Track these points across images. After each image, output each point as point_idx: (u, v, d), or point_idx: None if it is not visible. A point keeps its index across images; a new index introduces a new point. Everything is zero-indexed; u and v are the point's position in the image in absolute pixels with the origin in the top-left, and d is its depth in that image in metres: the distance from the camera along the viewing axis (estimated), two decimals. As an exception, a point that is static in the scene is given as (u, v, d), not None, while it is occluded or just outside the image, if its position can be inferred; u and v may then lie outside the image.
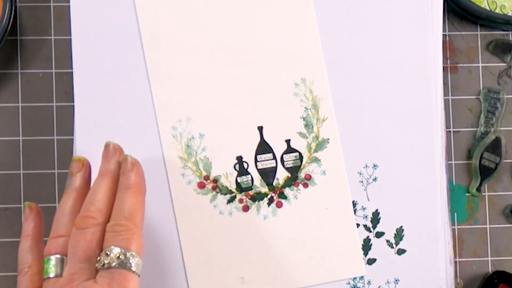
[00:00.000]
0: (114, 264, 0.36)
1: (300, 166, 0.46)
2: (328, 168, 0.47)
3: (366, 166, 0.47)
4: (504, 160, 0.50)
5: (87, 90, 0.47)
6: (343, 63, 0.47)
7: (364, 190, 0.47)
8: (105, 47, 0.47)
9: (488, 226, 0.50)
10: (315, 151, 0.47)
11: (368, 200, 0.47)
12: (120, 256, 0.36)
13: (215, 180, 0.47)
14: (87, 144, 0.46)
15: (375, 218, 0.47)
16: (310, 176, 0.47)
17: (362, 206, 0.47)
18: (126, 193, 0.39)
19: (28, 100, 0.49)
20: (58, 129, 0.49)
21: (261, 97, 0.47)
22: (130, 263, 0.36)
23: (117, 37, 0.47)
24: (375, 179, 0.47)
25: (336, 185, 0.47)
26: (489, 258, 0.50)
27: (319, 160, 0.46)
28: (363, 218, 0.47)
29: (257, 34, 0.47)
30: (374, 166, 0.47)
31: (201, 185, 0.47)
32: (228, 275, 0.46)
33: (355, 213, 0.47)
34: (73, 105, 0.47)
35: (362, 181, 0.47)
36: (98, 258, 0.36)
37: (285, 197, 0.47)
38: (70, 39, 0.47)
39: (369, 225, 0.47)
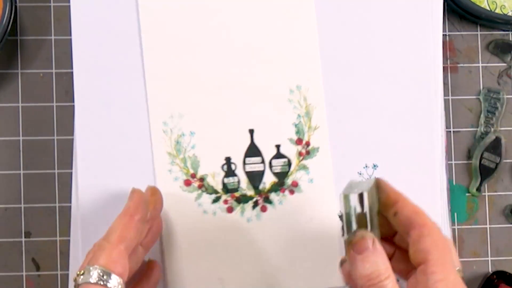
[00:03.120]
0: (79, 279, 0.37)
1: (288, 172, 0.46)
2: (315, 177, 0.47)
3: (366, 166, 0.47)
4: (504, 160, 0.50)
5: (87, 90, 0.47)
6: (344, 62, 0.47)
7: (364, 190, 0.47)
8: (105, 47, 0.47)
9: (488, 226, 0.50)
10: (304, 158, 0.47)
11: (368, 200, 0.47)
12: (81, 271, 0.37)
13: (202, 179, 0.47)
14: (87, 144, 0.46)
15: (375, 218, 0.47)
16: (297, 183, 0.47)
17: (362, 206, 0.47)
18: (117, 217, 0.41)
19: (28, 100, 0.49)
20: (58, 129, 0.49)
21: (255, 100, 0.47)
22: (90, 275, 0.37)
23: (117, 37, 0.47)
24: (375, 179, 0.47)
25: (322, 195, 0.47)
26: (489, 258, 0.50)
27: (308, 168, 0.46)
28: (363, 218, 0.47)
29: (257, 37, 0.47)
30: (374, 166, 0.47)
31: (188, 183, 0.47)
32: (207, 275, 0.46)
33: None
34: (73, 105, 0.47)
35: (362, 181, 0.47)
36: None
37: (270, 202, 0.47)
38: (70, 39, 0.47)
39: (369, 225, 0.47)
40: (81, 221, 0.46)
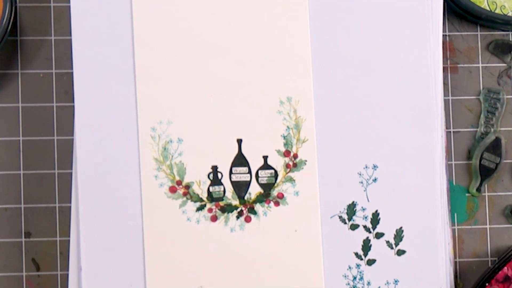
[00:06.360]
0: None
1: (274, 183, 0.46)
2: (301, 190, 0.47)
3: (366, 167, 0.47)
4: (504, 160, 0.50)
5: (87, 90, 0.47)
6: (344, 63, 0.47)
7: (364, 191, 0.47)
8: (106, 47, 0.47)
9: (488, 226, 0.50)
10: (291, 171, 0.47)
11: (368, 201, 0.47)
12: None
13: (187, 187, 0.47)
14: (87, 144, 0.47)
15: (375, 219, 0.47)
16: (283, 195, 0.47)
17: (362, 207, 0.47)
18: None
19: (28, 100, 0.49)
20: (58, 129, 0.49)
21: (245, 110, 0.47)
22: None
23: (117, 37, 0.47)
24: (375, 180, 0.47)
25: (307, 208, 0.47)
26: (489, 258, 0.50)
27: (294, 180, 0.46)
28: (363, 219, 0.47)
29: (248, 47, 0.47)
30: (374, 167, 0.47)
31: (173, 190, 0.46)
32: (188, 282, 0.46)
33: (354, 214, 0.47)
34: (73, 105, 0.47)
35: (362, 182, 0.47)
36: None
37: (254, 213, 0.47)
38: (70, 39, 0.47)
39: (369, 226, 0.47)
40: (81, 221, 0.46)
